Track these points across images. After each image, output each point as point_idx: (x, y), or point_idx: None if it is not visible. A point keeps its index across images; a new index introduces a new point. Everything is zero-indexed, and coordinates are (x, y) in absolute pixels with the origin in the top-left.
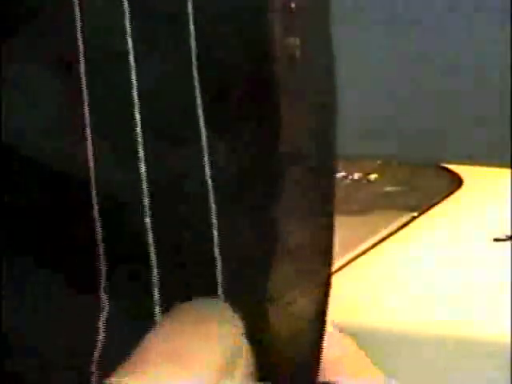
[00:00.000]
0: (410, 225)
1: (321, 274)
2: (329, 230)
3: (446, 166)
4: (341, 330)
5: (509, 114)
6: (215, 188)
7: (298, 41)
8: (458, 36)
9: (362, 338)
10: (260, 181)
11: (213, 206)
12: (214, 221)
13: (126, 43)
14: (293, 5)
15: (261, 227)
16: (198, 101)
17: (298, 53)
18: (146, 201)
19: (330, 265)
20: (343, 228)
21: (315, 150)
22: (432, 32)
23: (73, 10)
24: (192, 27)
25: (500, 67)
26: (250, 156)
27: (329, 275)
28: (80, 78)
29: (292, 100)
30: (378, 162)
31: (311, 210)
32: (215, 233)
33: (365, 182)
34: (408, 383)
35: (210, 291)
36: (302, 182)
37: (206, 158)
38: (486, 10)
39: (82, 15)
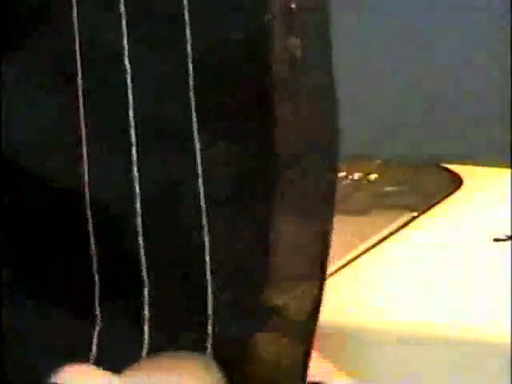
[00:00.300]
0: (410, 225)
1: (314, 280)
2: (324, 241)
3: (446, 165)
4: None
5: (509, 114)
6: (208, 197)
7: (298, 41)
8: (457, 36)
9: (362, 338)
10: (258, 183)
11: (204, 220)
12: (206, 228)
13: (123, 52)
14: (293, 5)
15: (255, 234)
16: (192, 103)
17: (298, 53)
18: (139, 215)
19: (324, 272)
20: (343, 228)
21: (315, 152)
22: (432, 32)
23: (71, 20)
24: (188, 29)
25: (500, 67)
26: (247, 160)
27: (322, 281)
28: (76, 88)
29: (291, 101)
30: (378, 161)
31: (309, 213)
32: (207, 244)
33: (365, 182)
34: (408, 383)
35: (200, 302)
36: (300, 184)
37: (199, 165)
38: (486, 10)
39: (79, 23)
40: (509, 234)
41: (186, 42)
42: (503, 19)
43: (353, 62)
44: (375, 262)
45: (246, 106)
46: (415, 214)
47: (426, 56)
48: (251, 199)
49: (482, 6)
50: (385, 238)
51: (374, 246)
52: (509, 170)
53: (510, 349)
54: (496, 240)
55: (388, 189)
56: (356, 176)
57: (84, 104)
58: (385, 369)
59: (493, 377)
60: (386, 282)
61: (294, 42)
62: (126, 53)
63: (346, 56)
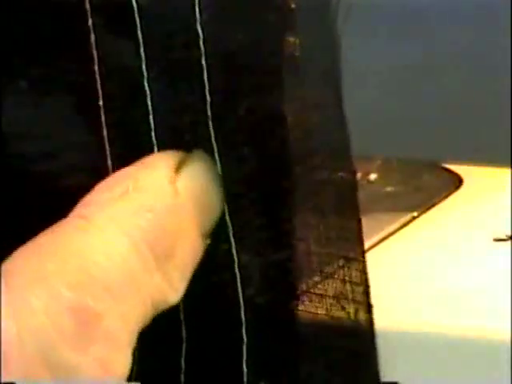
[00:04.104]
0: (410, 225)
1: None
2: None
3: (446, 165)
4: None
5: (509, 114)
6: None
7: (298, 40)
8: (458, 36)
9: None
10: (273, 185)
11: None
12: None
13: (143, 77)
14: (293, 5)
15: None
16: (209, 112)
17: (298, 52)
18: None
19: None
20: None
21: (324, 152)
22: (432, 32)
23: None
24: (203, 58)
25: (500, 67)
26: (260, 161)
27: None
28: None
29: (293, 101)
30: (378, 161)
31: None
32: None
33: (365, 182)
34: (406, 382)
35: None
36: (317, 185)
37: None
38: (485, 10)
39: (97, 48)
40: (509, 233)
41: (203, 72)
42: (503, 19)
43: (353, 61)
44: (375, 261)
45: (258, 112)
46: (415, 214)
47: (425, 56)
48: (268, 201)
49: (482, 5)
50: (385, 238)
51: (374, 246)
52: (509, 170)
53: (510, 349)
54: (496, 240)
55: (388, 189)
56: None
57: (107, 129)
58: (383, 368)
59: (493, 377)
60: (386, 281)
61: (294, 41)
62: (146, 77)
63: (346, 56)
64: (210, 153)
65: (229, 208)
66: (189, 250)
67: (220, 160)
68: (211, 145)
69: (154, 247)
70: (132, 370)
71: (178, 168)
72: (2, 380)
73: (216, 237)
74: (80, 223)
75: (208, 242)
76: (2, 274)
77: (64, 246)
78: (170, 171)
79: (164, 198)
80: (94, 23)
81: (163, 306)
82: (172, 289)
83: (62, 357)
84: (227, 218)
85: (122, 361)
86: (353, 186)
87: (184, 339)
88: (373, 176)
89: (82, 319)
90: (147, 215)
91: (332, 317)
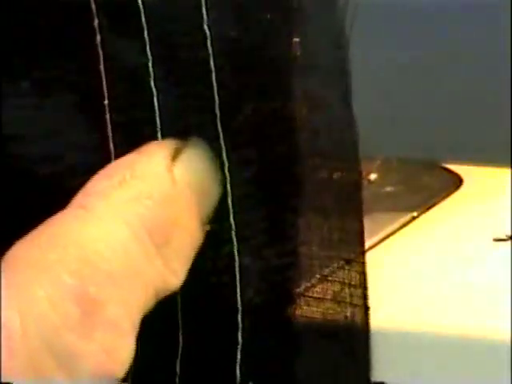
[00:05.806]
0: (410, 225)
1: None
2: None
3: (446, 165)
4: None
5: (509, 113)
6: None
7: (306, 40)
8: (458, 36)
9: None
10: (281, 185)
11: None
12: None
13: (150, 77)
14: (302, 5)
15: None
16: (216, 112)
17: (306, 52)
18: None
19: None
20: None
21: (332, 153)
22: (432, 33)
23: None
24: (211, 55)
25: (500, 67)
26: (269, 162)
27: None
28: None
29: (296, 102)
30: (378, 162)
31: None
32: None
33: (365, 182)
34: (407, 383)
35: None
36: (323, 185)
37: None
38: (486, 10)
39: (103, 48)
40: (509, 233)
41: (211, 72)
42: (503, 19)
43: (353, 62)
44: (375, 261)
45: (265, 111)
46: (415, 214)
47: (426, 57)
48: (278, 203)
49: (482, 5)
50: (385, 238)
51: (374, 246)
52: (509, 170)
53: (510, 349)
54: (496, 240)
55: (388, 189)
56: None
57: (113, 129)
58: (383, 368)
59: (493, 377)
60: (386, 281)
61: (302, 41)
62: (152, 77)
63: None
64: (218, 153)
65: (234, 208)
66: (187, 236)
67: (228, 160)
68: (219, 145)
69: (153, 234)
70: (128, 372)
71: (175, 156)
72: (7, 367)
73: (218, 237)
74: (79, 213)
75: (207, 228)
76: (4, 265)
77: (65, 236)
78: (167, 159)
79: (161, 186)
80: (99, 23)
81: (164, 292)
82: (172, 274)
83: (67, 344)
84: (231, 218)
85: (126, 347)
86: (357, 187)
87: (180, 341)
88: (373, 176)
89: (85, 307)
90: (146, 202)
91: (329, 319)
